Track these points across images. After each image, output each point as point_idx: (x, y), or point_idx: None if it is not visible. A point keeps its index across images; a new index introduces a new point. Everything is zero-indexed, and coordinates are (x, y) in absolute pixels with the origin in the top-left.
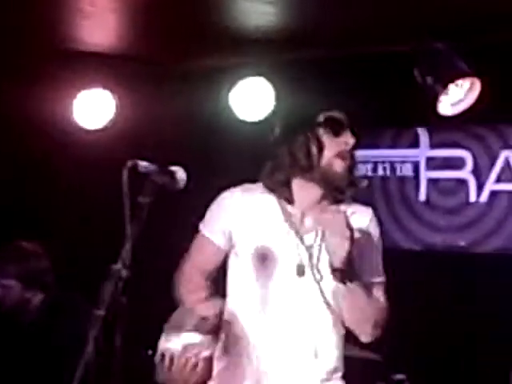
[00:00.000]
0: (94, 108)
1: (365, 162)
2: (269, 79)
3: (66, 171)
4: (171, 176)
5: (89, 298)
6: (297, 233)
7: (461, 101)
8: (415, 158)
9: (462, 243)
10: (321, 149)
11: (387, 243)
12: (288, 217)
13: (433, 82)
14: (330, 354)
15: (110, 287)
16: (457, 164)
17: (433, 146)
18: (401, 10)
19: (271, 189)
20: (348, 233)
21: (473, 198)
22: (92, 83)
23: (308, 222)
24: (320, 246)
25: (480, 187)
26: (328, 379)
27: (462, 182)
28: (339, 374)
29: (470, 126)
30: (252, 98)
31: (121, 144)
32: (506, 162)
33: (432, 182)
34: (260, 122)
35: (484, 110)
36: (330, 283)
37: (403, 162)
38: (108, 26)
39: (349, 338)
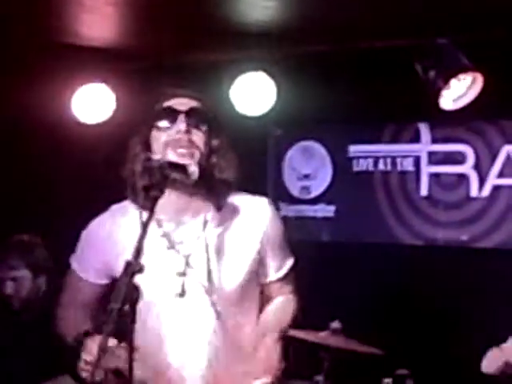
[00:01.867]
0: (93, 103)
1: (366, 157)
2: (270, 74)
3: (64, 166)
4: (183, 170)
5: None
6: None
7: (463, 96)
8: (416, 152)
9: (464, 238)
10: (145, 148)
11: (389, 238)
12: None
13: (435, 76)
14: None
15: (125, 280)
16: (458, 159)
17: (434, 140)
18: (403, 5)
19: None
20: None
21: (474, 192)
22: (91, 78)
23: (186, 230)
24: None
25: (481, 182)
26: None
27: (464, 177)
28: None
29: (471, 120)
30: (253, 93)
31: (121, 139)
32: (508, 156)
33: (433, 176)
34: (260, 117)
35: (486, 105)
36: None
37: (404, 157)
38: (108, 20)
39: (350, 333)
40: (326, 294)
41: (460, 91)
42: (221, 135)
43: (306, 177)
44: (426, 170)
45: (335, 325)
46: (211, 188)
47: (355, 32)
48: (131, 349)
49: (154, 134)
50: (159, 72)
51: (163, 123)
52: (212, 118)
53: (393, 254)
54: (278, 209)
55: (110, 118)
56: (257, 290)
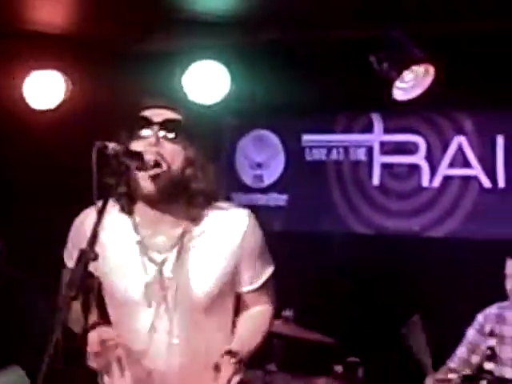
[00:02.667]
0: (44, 89)
1: (319, 147)
2: (224, 63)
3: (17, 151)
4: (139, 158)
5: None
6: (144, 253)
7: (415, 87)
8: (369, 142)
9: (415, 228)
10: (123, 158)
11: (341, 227)
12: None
13: (388, 67)
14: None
15: (80, 268)
16: (410, 149)
17: (386, 130)
18: None
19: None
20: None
21: (426, 182)
22: (44, 64)
23: (160, 240)
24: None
25: (433, 172)
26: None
27: (415, 167)
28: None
29: (423, 111)
30: (206, 81)
31: (73, 125)
32: (459, 147)
33: (385, 166)
34: (213, 106)
35: (437, 96)
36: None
37: (357, 147)
38: (62, 7)
39: (302, 321)
40: (278, 283)
41: (412, 82)
42: (197, 146)
43: (259, 166)
44: (379, 159)
45: (287, 313)
46: (188, 199)
47: (309, 23)
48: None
49: (134, 141)
50: (113, 60)
51: (140, 133)
52: (187, 129)
53: (344, 242)
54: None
55: (63, 104)
56: (230, 300)
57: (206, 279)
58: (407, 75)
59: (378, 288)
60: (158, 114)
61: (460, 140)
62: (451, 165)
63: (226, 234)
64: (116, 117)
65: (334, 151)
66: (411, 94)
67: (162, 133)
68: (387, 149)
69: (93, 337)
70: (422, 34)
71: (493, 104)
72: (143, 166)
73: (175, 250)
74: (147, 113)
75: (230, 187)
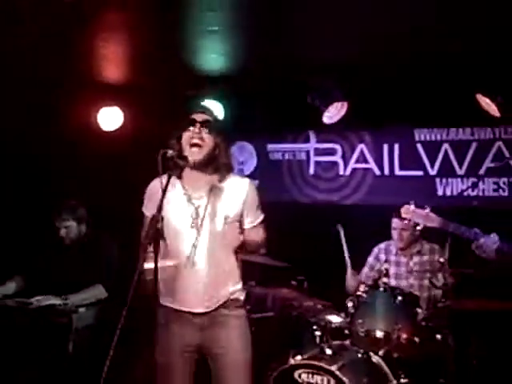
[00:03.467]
0: (110, 118)
1: (278, 151)
2: (221, 102)
3: (93, 158)
4: (185, 159)
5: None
6: (188, 199)
7: (335, 115)
8: (307, 148)
9: (335, 198)
10: (179, 142)
11: (290, 199)
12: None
13: (319, 103)
14: (227, 266)
15: (152, 226)
16: (332, 152)
17: (318, 141)
18: (302, 60)
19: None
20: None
21: (341, 172)
22: (109, 103)
23: (197, 192)
24: (207, 207)
25: (345, 166)
26: (227, 282)
27: (335, 163)
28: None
29: (340, 129)
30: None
31: (125, 140)
32: (361, 150)
33: (317, 162)
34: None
35: (348, 120)
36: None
37: (300, 151)
38: (120, 68)
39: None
40: None
41: (334, 112)
42: (222, 136)
43: (241, 163)
44: (313, 159)
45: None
46: (216, 168)
47: (272, 76)
48: (156, 265)
49: (183, 134)
50: (157, 102)
51: (189, 128)
52: (217, 126)
53: (292, 208)
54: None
55: (121, 127)
56: (237, 231)
57: (222, 216)
58: (331, 108)
59: (316, 232)
60: (200, 117)
61: (361, 146)
62: (357, 161)
63: (236, 191)
64: (151, 135)
65: (287, 154)
66: (333, 120)
67: (202, 128)
68: (318, 152)
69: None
70: (341, 82)
71: (380, 125)
72: (188, 164)
73: (205, 199)
74: (194, 116)
75: None
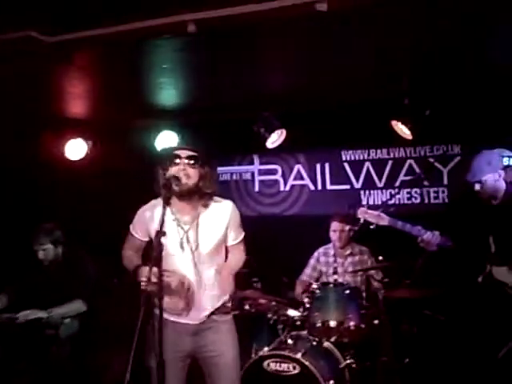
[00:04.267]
0: (75, 149)
1: (226, 173)
2: (175, 131)
3: (65, 185)
4: (179, 180)
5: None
6: (178, 224)
7: (276, 141)
8: (252, 170)
9: (277, 211)
10: (163, 175)
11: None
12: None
13: (264, 132)
14: (210, 281)
15: (157, 240)
16: (273, 172)
17: (261, 163)
18: (245, 95)
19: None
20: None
21: (282, 188)
22: (75, 136)
23: (186, 217)
24: (196, 231)
25: (285, 183)
26: (213, 295)
27: (276, 181)
28: (221, 302)
29: (279, 153)
30: (165, 141)
31: (92, 168)
32: (298, 169)
33: (261, 181)
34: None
35: (287, 145)
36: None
37: (246, 172)
38: (83, 105)
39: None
40: None
41: (275, 139)
42: (206, 168)
43: None
44: (258, 178)
45: None
46: (201, 197)
47: (223, 109)
48: (160, 273)
49: (169, 168)
50: (112, 133)
51: (174, 162)
52: (201, 159)
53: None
54: None
55: (86, 156)
56: (223, 249)
57: (210, 239)
58: (273, 135)
59: (260, 238)
60: (184, 152)
61: (298, 166)
62: (294, 178)
63: (221, 214)
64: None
65: (234, 175)
66: (275, 144)
67: (187, 162)
68: (261, 172)
69: (143, 271)
70: (280, 113)
71: (313, 148)
72: (181, 185)
73: (195, 223)
74: (178, 151)
75: None
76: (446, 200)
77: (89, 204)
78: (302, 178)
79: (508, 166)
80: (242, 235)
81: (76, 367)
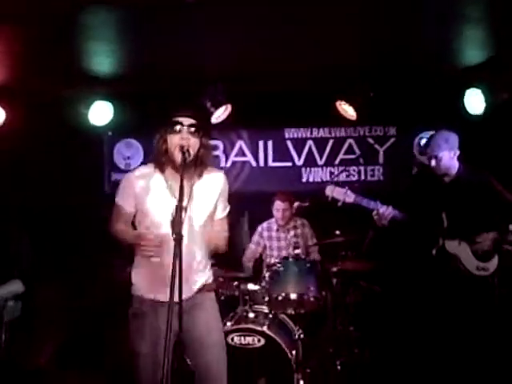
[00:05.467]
0: None
1: None
2: (110, 102)
3: None
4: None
5: None
6: (172, 193)
7: (221, 116)
8: None
9: None
10: (164, 142)
11: None
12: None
13: (210, 106)
14: (200, 256)
15: (179, 210)
16: (214, 148)
17: None
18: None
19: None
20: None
21: (223, 164)
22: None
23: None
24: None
25: (227, 159)
26: (201, 270)
27: (217, 157)
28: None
29: (223, 128)
30: (99, 113)
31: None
32: (240, 147)
33: None
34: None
35: (231, 120)
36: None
37: None
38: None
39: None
40: None
41: (221, 113)
42: (207, 137)
43: (128, 158)
44: None
45: None
46: (197, 167)
47: (162, 80)
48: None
49: (168, 135)
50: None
51: (174, 130)
52: (203, 128)
53: None
54: (110, 176)
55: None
56: (211, 221)
57: (203, 208)
58: (219, 110)
59: None
60: (186, 120)
61: (240, 142)
62: (236, 155)
63: (213, 186)
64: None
65: None
66: (219, 120)
67: (188, 130)
68: None
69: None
70: (225, 87)
71: (256, 125)
72: (187, 153)
73: (188, 194)
74: (179, 118)
75: (112, 170)
76: (382, 178)
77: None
78: (243, 155)
79: None
80: (228, 208)
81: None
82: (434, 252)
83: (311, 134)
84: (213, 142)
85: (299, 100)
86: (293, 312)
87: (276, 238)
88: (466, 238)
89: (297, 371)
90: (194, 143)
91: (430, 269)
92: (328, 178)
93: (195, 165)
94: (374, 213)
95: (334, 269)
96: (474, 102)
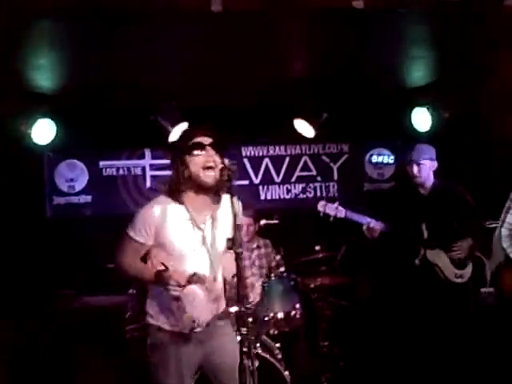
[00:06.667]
0: None
1: (111, 167)
2: (53, 120)
3: None
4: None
5: None
6: (194, 224)
7: (178, 134)
8: (143, 164)
9: None
10: (186, 167)
11: (128, 212)
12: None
13: (166, 125)
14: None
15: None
16: (167, 167)
17: (153, 157)
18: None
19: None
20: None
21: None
22: None
23: (202, 216)
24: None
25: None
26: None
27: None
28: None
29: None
30: (41, 132)
31: None
32: None
33: (153, 176)
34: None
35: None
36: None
37: (136, 167)
38: None
39: None
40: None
41: (177, 131)
42: (224, 156)
43: (71, 180)
44: (149, 173)
45: None
46: (217, 191)
47: (111, 97)
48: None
49: (190, 158)
50: None
51: (196, 152)
52: (222, 146)
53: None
54: (51, 200)
55: None
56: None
57: (224, 235)
58: (176, 128)
59: None
60: (205, 140)
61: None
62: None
63: (229, 209)
64: None
65: (121, 170)
66: (174, 139)
67: (211, 149)
68: (154, 167)
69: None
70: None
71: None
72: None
73: (209, 222)
74: (198, 139)
75: (53, 193)
76: (336, 194)
77: None
78: None
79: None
80: None
81: None
82: (417, 262)
83: (268, 151)
84: (165, 162)
85: (255, 119)
86: (276, 331)
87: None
88: (444, 248)
89: None
90: (217, 163)
91: (414, 278)
92: (286, 196)
93: (216, 189)
94: (365, 227)
95: (312, 285)
96: (421, 120)
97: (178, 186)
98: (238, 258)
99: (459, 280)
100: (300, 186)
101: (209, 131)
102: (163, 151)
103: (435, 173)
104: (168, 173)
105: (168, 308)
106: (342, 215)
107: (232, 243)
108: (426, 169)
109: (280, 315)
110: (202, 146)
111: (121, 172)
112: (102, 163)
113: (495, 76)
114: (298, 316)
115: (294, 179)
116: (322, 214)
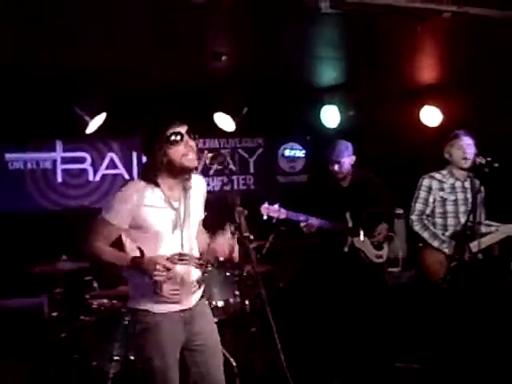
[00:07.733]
0: None
1: (18, 161)
2: None
3: None
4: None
5: None
6: (170, 205)
7: (96, 125)
8: (54, 157)
9: (86, 203)
10: (165, 155)
11: (37, 208)
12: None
13: (85, 115)
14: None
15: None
16: (81, 160)
17: (65, 150)
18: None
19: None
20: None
21: (91, 178)
22: None
23: (176, 197)
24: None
25: (95, 172)
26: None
27: (85, 170)
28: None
29: (90, 139)
30: None
31: None
32: (111, 159)
33: (65, 170)
34: None
35: (106, 131)
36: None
37: (45, 160)
38: None
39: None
40: None
41: (95, 125)
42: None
43: None
44: (61, 167)
45: None
46: (189, 171)
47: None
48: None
49: (169, 147)
50: None
51: (175, 141)
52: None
53: (39, 216)
54: None
55: None
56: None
57: (197, 213)
58: (94, 120)
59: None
60: (182, 128)
61: (111, 154)
62: (107, 167)
63: (199, 189)
64: None
65: (29, 163)
66: (92, 130)
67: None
68: (66, 161)
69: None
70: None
71: (130, 135)
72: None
73: (182, 200)
74: (176, 129)
75: None
76: (252, 186)
77: None
78: (115, 167)
79: (296, 157)
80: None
81: None
82: (346, 249)
83: None
84: (78, 154)
85: (176, 110)
86: (216, 320)
87: None
88: (367, 234)
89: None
90: (194, 146)
91: (345, 263)
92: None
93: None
94: (303, 224)
95: (245, 273)
96: (330, 116)
97: (154, 172)
98: (248, 242)
99: (379, 260)
100: (218, 179)
101: (179, 118)
102: (77, 143)
103: (352, 165)
104: (81, 166)
105: (152, 290)
106: (284, 216)
107: (235, 229)
108: (346, 165)
109: (220, 304)
110: (181, 135)
111: (29, 166)
112: (7, 156)
113: (393, 77)
114: (236, 303)
115: (211, 172)
116: (265, 217)
